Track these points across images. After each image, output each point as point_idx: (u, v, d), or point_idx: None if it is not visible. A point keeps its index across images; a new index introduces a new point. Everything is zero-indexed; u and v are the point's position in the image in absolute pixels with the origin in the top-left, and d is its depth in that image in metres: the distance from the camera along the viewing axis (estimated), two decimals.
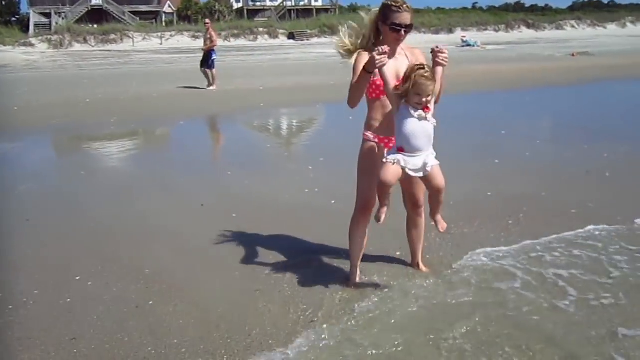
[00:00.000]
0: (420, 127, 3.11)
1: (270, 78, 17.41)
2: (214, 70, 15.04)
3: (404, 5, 3.28)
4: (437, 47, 3.24)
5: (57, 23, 41.61)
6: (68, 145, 9.49)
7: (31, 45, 35.53)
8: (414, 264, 3.90)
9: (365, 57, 3.27)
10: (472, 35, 41.04)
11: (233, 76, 18.05)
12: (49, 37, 37.52)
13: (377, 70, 3.17)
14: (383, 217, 3.24)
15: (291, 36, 43.78)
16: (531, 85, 15.48)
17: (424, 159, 3.12)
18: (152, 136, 10.50)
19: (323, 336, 3.08)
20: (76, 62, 26.40)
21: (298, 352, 2.95)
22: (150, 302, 3.56)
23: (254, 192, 5.97)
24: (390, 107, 3.30)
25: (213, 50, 14.87)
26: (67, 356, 3.01)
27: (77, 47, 36.70)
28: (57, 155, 8.94)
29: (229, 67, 22.36)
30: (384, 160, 3.16)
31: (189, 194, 5.96)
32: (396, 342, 3.00)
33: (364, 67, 3.21)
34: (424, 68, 3.07)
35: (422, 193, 3.58)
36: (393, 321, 3.20)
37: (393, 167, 3.10)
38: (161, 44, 38.98)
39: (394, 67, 3.30)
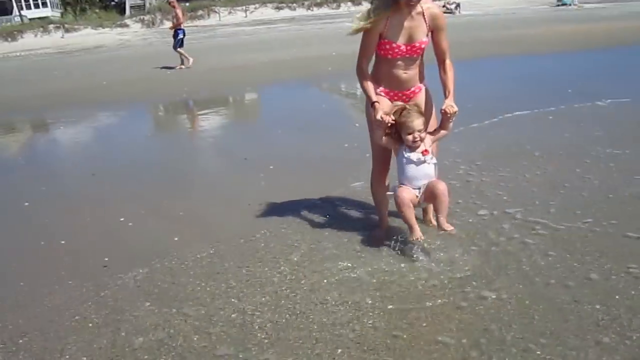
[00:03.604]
0: (419, 171, 3.20)
1: (344, 45, 17.40)
2: (180, 50, 14.45)
3: None
4: (447, 111, 3.12)
5: (150, 4, 43.79)
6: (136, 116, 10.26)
7: (126, 26, 37.66)
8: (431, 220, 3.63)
9: (374, 31, 3.13)
10: None
11: (309, 44, 18.38)
12: (142, 17, 39.62)
13: (386, 32, 3.16)
14: (420, 234, 3.19)
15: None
16: (617, 44, 14.22)
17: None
18: (214, 104, 11.00)
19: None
20: (164, 38, 27.67)
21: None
22: None
23: (294, 147, 6.25)
24: (397, 66, 3.25)
25: (180, 29, 14.28)
26: None
27: (168, 24, 38.38)
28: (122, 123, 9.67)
29: (307, 35, 22.66)
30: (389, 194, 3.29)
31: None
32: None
33: (372, 102, 3.20)
34: (407, 107, 3.13)
35: (435, 146, 3.44)
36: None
37: (406, 188, 3.18)
38: (245, 16, 39.87)
39: (408, 30, 3.16)
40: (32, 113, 10.68)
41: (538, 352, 2.40)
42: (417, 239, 3.19)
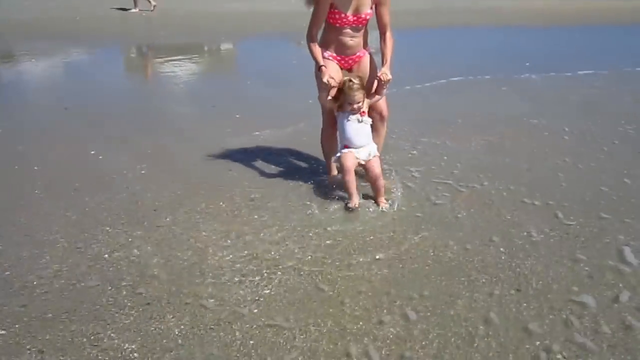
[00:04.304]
0: (359, 129, 3.67)
1: None
2: None
3: None
4: (381, 78, 3.56)
5: None
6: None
7: None
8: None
9: (326, 2, 3.54)
10: None
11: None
12: None
13: (337, 3, 3.56)
14: (357, 202, 3.64)
15: None
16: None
17: (368, 151, 3.70)
18: (190, 50, 11.12)
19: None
20: None
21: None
22: None
23: (261, 99, 6.58)
24: (345, 33, 3.68)
25: None
26: None
27: None
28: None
29: None
30: (335, 158, 3.76)
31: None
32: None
33: (319, 66, 3.58)
34: (352, 81, 3.56)
35: (385, 105, 3.94)
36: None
37: (349, 154, 3.65)
38: None
39: (355, 2, 3.58)
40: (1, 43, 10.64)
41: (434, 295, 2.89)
42: (354, 205, 3.65)
